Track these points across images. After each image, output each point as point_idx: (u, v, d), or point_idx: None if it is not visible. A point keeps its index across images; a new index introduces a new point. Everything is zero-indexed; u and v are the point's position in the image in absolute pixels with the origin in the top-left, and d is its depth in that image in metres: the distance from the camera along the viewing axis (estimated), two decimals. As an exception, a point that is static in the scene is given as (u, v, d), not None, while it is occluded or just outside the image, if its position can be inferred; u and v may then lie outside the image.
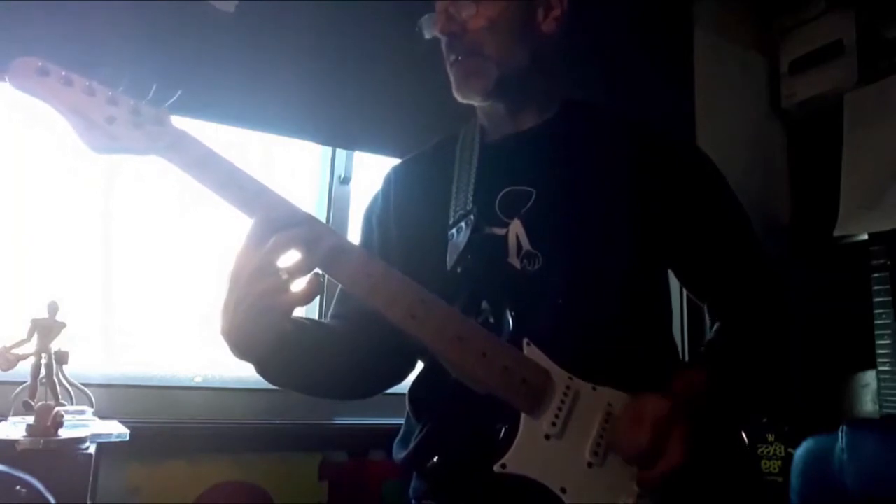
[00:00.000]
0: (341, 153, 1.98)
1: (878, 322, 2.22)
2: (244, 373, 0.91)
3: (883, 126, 2.39)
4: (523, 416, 0.91)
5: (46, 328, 1.38)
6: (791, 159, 2.80)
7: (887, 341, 2.21)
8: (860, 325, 2.28)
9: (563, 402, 0.92)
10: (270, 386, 1.00)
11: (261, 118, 1.74)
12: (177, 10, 1.60)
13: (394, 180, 1.24)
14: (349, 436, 1.79)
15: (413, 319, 0.87)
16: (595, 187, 1.08)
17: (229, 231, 1.15)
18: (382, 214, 1.21)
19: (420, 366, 1.16)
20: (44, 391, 1.36)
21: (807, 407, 2.29)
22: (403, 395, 1.15)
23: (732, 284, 1.11)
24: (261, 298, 0.81)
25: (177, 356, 1.71)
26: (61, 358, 1.39)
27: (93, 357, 1.57)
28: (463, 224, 1.04)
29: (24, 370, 1.36)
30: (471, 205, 1.06)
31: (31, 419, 1.16)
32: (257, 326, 0.83)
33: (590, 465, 0.90)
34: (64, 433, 1.16)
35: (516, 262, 1.04)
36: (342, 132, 1.86)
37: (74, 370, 1.43)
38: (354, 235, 1.27)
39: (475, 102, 1.13)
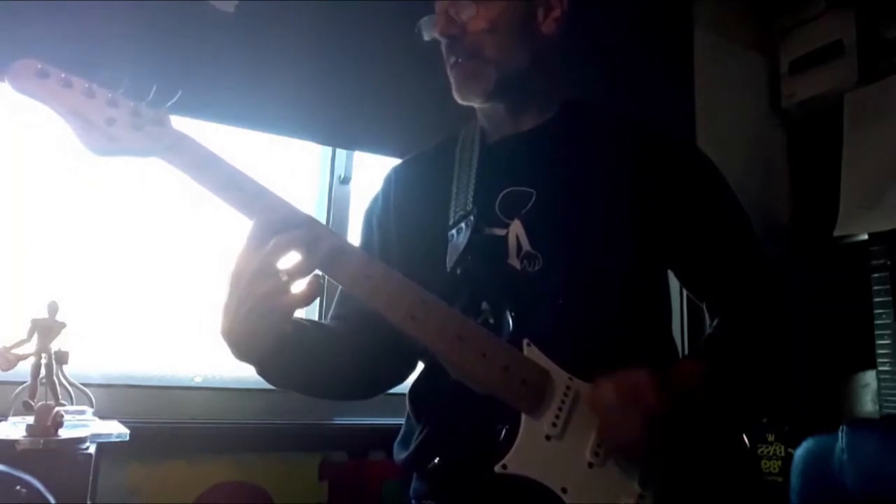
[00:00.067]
0: (341, 153, 1.98)
1: (878, 322, 2.23)
2: (244, 373, 0.92)
3: (883, 126, 2.39)
4: (524, 416, 0.91)
5: (46, 328, 1.38)
6: (791, 159, 2.80)
7: (887, 341, 2.21)
8: (860, 325, 2.28)
9: (563, 402, 0.92)
10: (270, 386, 1.00)
11: (261, 118, 1.74)
12: (177, 10, 1.60)
13: (394, 181, 1.24)
14: (349, 436, 1.79)
15: (413, 320, 0.87)
16: (595, 188, 1.07)
17: (229, 230, 1.15)
18: (382, 215, 1.21)
19: (420, 366, 1.16)
20: (44, 391, 1.36)
21: (807, 407, 2.30)
22: (403, 395, 1.15)
23: (732, 285, 1.10)
24: (261, 300, 0.81)
25: (177, 356, 1.71)
26: (61, 358, 1.39)
27: (93, 357, 1.56)
28: (463, 225, 1.04)
29: (24, 370, 1.36)
30: (471, 205, 1.06)
31: (31, 419, 1.16)
32: (258, 328, 0.83)
33: (590, 465, 0.90)
34: (64, 433, 1.16)
35: (516, 263, 1.03)
36: (342, 132, 1.87)
37: (74, 370, 1.43)
38: (354, 235, 1.27)
39: (475, 104, 1.13)
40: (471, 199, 1.07)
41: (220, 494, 1.58)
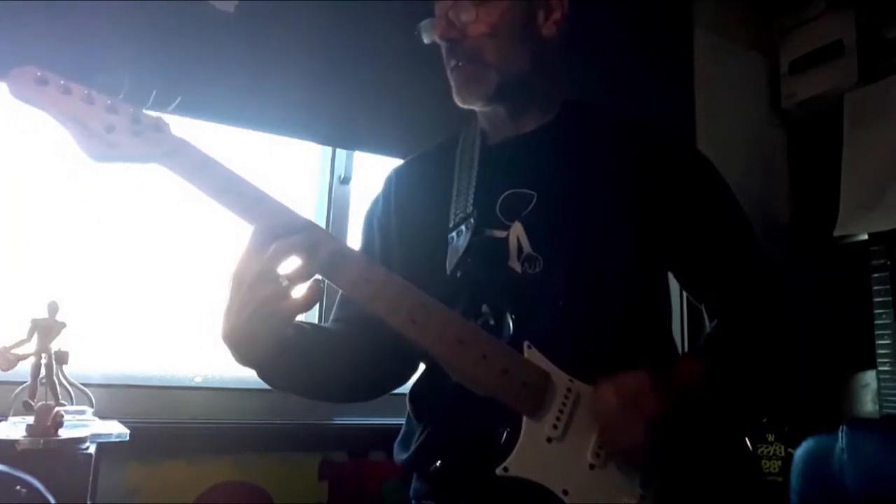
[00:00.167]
0: (341, 153, 1.98)
1: (878, 322, 2.23)
2: (244, 373, 0.92)
3: (883, 126, 2.39)
4: (525, 418, 0.91)
5: (46, 328, 1.38)
6: (791, 159, 2.80)
7: (887, 341, 2.21)
8: (860, 325, 2.29)
9: (564, 404, 0.92)
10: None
11: (261, 118, 1.74)
12: (177, 10, 1.60)
13: (394, 182, 1.23)
14: (349, 436, 1.79)
15: (413, 324, 0.87)
16: (596, 189, 1.07)
17: (229, 231, 1.15)
18: (383, 217, 1.21)
19: (421, 367, 1.16)
20: (44, 391, 1.36)
21: (807, 407, 2.30)
22: (404, 395, 1.15)
23: (732, 285, 1.10)
24: (262, 305, 0.81)
25: (177, 356, 1.71)
26: (61, 358, 1.39)
27: (93, 357, 1.56)
28: (463, 227, 1.04)
29: (24, 370, 1.36)
30: (471, 208, 1.06)
31: (31, 419, 1.16)
32: (258, 332, 0.83)
33: (591, 466, 0.90)
34: (64, 433, 1.16)
35: (517, 265, 1.03)
36: (342, 132, 1.86)
37: (74, 370, 1.43)
38: (354, 235, 1.27)
39: (476, 107, 1.13)
40: (471, 201, 1.07)
41: (220, 494, 1.58)
